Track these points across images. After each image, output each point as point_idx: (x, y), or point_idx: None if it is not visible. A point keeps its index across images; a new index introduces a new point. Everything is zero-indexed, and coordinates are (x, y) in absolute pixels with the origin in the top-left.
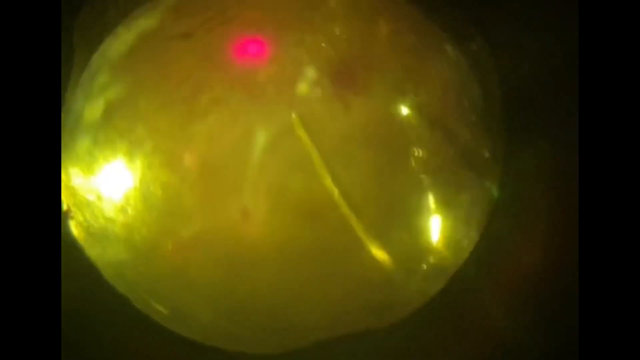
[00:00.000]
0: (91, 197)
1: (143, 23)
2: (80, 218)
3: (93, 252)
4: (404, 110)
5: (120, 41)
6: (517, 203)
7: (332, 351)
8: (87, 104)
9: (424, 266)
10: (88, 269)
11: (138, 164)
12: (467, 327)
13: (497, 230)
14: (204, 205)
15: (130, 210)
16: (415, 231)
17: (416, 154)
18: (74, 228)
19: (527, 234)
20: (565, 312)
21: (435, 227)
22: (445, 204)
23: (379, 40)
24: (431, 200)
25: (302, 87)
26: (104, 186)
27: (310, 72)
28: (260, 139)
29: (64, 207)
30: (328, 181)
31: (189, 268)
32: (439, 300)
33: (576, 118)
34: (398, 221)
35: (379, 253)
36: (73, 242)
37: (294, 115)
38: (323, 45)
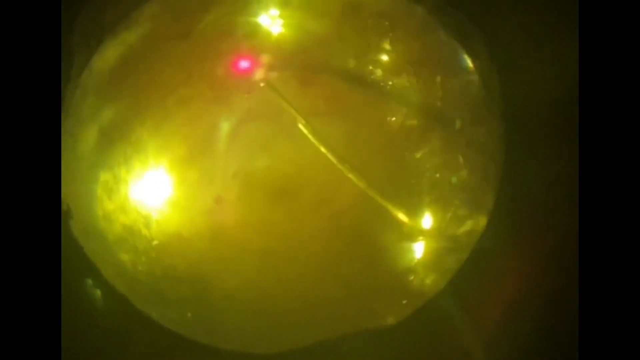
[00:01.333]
0: (91, 197)
1: (143, 23)
2: (81, 218)
3: (93, 252)
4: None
5: (120, 41)
6: (516, 212)
7: (332, 351)
8: (88, 105)
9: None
10: (88, 269)
11: (138, 164)
12: (465, 329)
13: (498, 231)
14: (183, 198)
15: (130, 210)
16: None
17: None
18: (74, 228)
19: (526, 240)
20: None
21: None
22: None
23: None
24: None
25: (259, 73)
26: (104, 186)
27: (265, 58)
28: (224, 129)
29: (64, 207)
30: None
31: (177, 263)
32: (438, 301)
33: (576, 119)
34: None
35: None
36: (73, 242)
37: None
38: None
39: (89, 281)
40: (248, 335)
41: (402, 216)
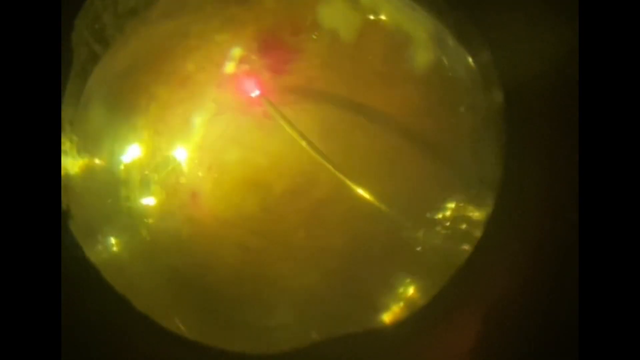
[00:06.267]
0: (91, 196)
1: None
2: (81, 218)
3: (93, 252)
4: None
5: (121, 41)
6: (517, 210)
7: (332, 351)
8: (87, 104)
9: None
10: (88, 269)
11: (137, 164)
12: (465, 329)
13: (498, 229)
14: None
15: (130, 210)
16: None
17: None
18: (74, 228)
19: (528, 239)
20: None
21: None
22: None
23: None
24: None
25: (229, 67)
26: (104, 186)
27: (236, 52)
28: (197, 123)
29: (64, 207)
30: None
31: (176, 263)
32: (437, 301)
33: (576, 119)
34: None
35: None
36: (73, 242)
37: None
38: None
39: (89, 281)
40: (248, 336)
41: (385, 208)
